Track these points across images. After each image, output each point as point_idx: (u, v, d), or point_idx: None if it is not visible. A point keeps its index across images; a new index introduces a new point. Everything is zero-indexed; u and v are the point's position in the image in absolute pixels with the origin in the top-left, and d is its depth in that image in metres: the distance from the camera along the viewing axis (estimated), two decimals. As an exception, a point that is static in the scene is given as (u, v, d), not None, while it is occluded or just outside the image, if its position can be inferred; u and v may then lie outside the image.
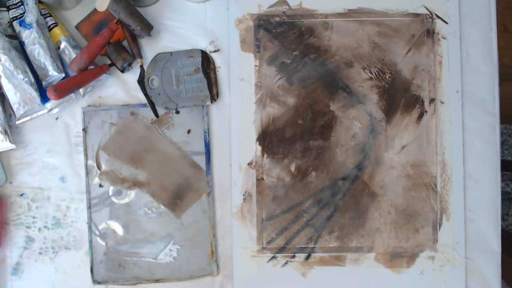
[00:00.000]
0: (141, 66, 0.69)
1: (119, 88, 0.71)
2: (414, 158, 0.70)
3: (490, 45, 0.71)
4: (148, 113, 0.70)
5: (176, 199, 0.69)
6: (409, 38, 0.70)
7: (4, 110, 0.69)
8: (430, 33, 0.70)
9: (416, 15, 0.70)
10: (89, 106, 0.70)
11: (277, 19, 0.71)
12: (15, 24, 0.66)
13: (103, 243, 0.69)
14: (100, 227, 0.70)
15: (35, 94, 0.66)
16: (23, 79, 0.65)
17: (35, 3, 0.66)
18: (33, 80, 0.66)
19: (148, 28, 0.68)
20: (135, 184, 0.70)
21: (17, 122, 0.69)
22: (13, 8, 0.67)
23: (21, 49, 0.67)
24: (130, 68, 0.70)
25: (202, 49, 0.70)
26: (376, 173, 0.70)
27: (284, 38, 0.71)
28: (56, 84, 0.63)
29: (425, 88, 0.70)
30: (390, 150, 0.70)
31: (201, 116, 0.70)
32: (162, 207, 0.69)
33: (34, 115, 0.69)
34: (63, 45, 0.68)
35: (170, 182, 0.69)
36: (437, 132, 0.70)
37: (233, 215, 0.70)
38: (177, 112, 0.70)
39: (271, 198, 0.70)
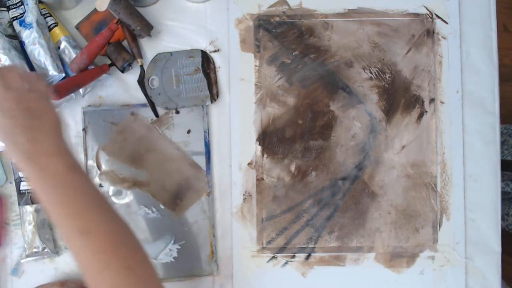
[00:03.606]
0: (141, 66, 0.69)
1: (119, 88, 0.71)
2: (414, 158, 0.70)
3: (490, 45, 0.71)
4: (148, 113, 0.70)
5: (176, 199, 0.69)
6: (409, 38, 0.70)
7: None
8: (430, 33, 0.70)
9: (416, 15, 0.70)
10: (89, 106, 0.70)
11: (277, 19, 0.71)
12: (15, 24, 0.66)
13: (103, 243, 0.69)
14: (100, 227, 0.70)
15: None
16: None
17: (35, 3, 0.66)
18: None
19: (148, 28, 0.68)
20: (135, 184, 0.70)
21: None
22: (13, 8, 0.67)
23: (21, 49, 0.67)
24: (130, 68, 0.70)
25: (202, 49, 0.70)
26: (376, 173, 0.70)
27: (284, 38, 0.71)
28: (56, 84, 0.63)
29: (425, 88, 0.70)
30: (390, 150, 0.70)
31: (201, 116, 0.70)
32: (162, 207, 0.69)
33: (34, 115, 0.69)
34: (63, 45, 0.68)
35: (170, 182, 0.69)
36: (437, 132, 0.70)
37: (233, 215, 0.70)
38: (177, 112, 0.70)
39: (271, 198, 0.70)
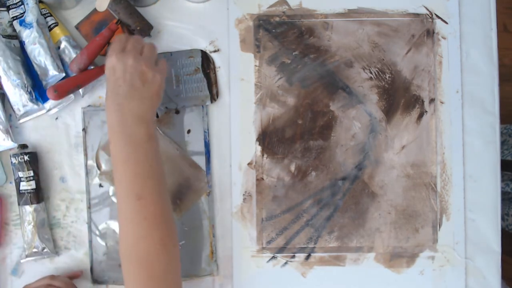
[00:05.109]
0: (141, 66, 0.69)
1: (119, 88, 0.71)
2: (414, 158, 0.70)
3: (490, 45, 0.71)
4: (148, 113, 0.70)
5: (176, 199, 0.69)
6: (409, 38, 0.70)
7: (5, 110, 0.69)
8: (430, 33, 0.70)
9: (416, 15, 0.70)
10: (89, 106, 0.70)
11: (277, 19, 0.71)
12: (15, 23, 0.66)
13: (103, 243, 0.69)
14: (100, 227, 0.70)
15: (26, 97, 0.66)
16: (15, 80, 0.65)
17: (35, 3, 0.66)
18: (25, 82, 0.66)
19: (148, 28, 0.68)
20: (135, 184, 0.69)
21: (18, 122, 0.69)
22: (13, 8, 0.67)
23: (19, 49, 0.67)
24: (130, 68, 0.70)
25: (202, 49, 0.70)
26: (376, 173, 0.70)
27: (284, 38, 0.71)
28: (56, 84, 0.63)
29: (425, 88, 0.70)
30: (390, 150, 0.70)
31: (201, 116, 0.70)
32: (162, 207, 0.69)
33: (34, 115, 0.69)
34: (63, 45, 0.68)
35: (170, 182, 0.69)
36: (437, 132, 0.70)
37: (233, 215, 0.70)
38: (177, 112, 0.70)
39: (271, 198, 0.70)
